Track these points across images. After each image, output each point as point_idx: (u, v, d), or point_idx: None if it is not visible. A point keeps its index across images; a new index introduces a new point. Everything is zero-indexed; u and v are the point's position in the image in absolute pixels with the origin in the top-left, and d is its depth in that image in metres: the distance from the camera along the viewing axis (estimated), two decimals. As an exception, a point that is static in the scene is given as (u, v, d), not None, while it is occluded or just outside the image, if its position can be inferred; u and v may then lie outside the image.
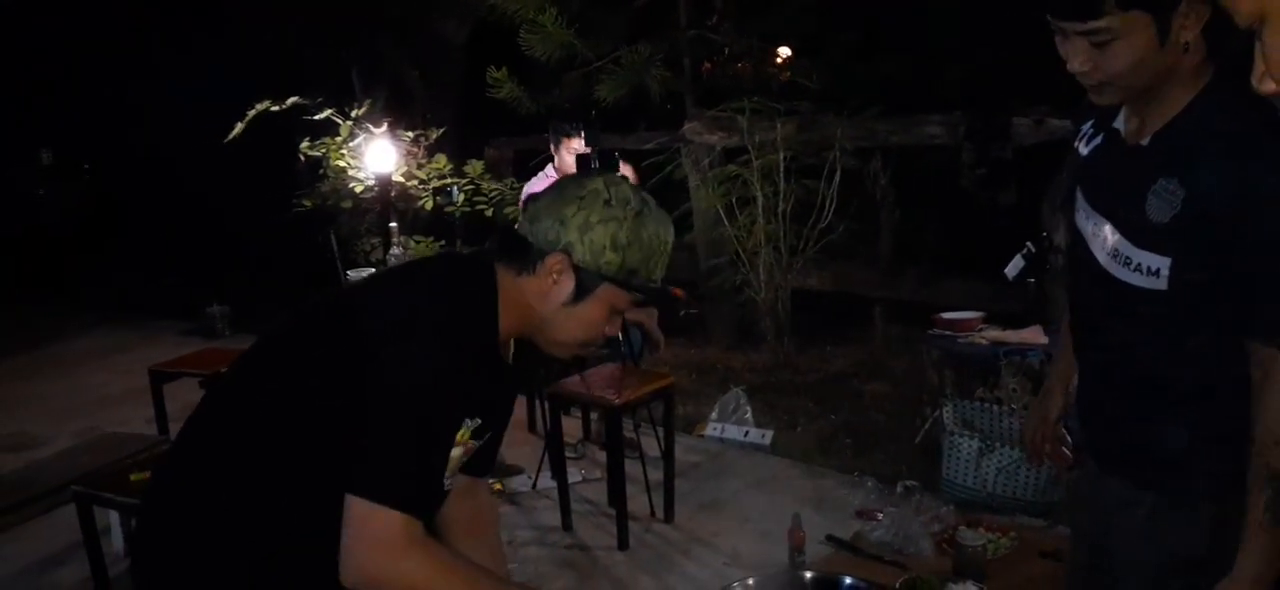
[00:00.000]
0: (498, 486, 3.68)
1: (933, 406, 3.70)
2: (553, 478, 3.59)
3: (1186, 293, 1.28)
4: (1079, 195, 1.44)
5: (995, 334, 3.68)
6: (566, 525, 3.47)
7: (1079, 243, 1.43)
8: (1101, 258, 1.37)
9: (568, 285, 1.34)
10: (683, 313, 5.35)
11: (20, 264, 8.05)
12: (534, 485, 3.81)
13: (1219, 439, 1.33)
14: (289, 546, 1.33)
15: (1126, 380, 1.42)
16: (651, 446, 3.71)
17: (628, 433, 3.64)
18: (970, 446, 3.45)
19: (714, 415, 4.48)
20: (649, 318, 4.26)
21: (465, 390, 1.31)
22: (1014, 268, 3.33)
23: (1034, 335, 3.62)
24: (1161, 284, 1.29)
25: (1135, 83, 1.27)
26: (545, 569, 3.20)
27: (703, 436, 4.38)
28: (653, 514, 3.54)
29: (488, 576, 1.36)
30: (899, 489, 3.13)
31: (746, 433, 4.32)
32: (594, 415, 4.19)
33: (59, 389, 5.47)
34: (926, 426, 3.75)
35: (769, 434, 4.29)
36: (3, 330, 6.69)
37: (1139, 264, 1.31)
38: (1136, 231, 1.31)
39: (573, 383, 3.50)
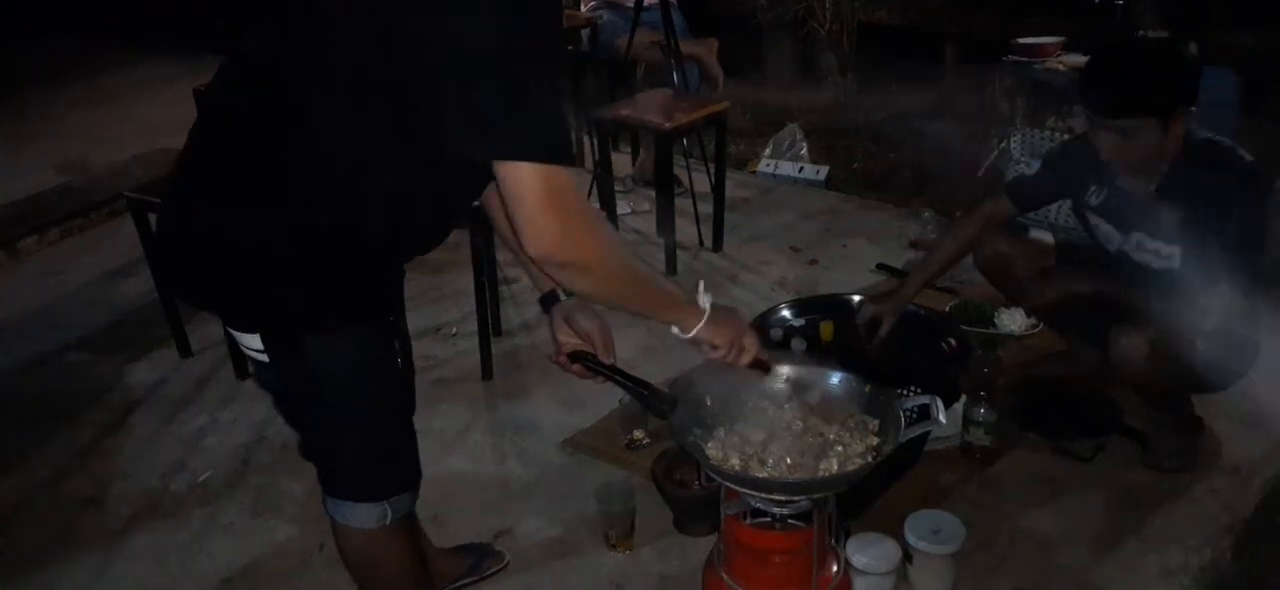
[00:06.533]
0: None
1: (1001, 138, 3.52)
2: (600, 207, 3.53)
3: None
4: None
5: (1074, 60, 3.43)
6: (613, 251, 3.44)
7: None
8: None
9: None
10: None
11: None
12: (582, 214, 3.75)
13: None
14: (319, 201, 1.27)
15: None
16: (701, 182, 3.61)
17: (677, 170, 3.53)
18: (1037, 178, 3.29)
19: (768, 152, 4.34)
20: (707, 51, 4.03)
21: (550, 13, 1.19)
22: (1104, -14, 3.06)
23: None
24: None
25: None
26: (592, 291, 3.21)
27: (755, 173, 4.26)
28: (701, 243, 3.50)
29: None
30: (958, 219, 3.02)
31: (801, 169, 4.19)
32: (642, 151, 4.08)
33: (111, 118, 5.50)
34: (992, 157, 3.59)
35: (824, 170, 4.15)
36: (55, 61, 6.71)
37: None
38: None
39: (622, 109, 3.37)
